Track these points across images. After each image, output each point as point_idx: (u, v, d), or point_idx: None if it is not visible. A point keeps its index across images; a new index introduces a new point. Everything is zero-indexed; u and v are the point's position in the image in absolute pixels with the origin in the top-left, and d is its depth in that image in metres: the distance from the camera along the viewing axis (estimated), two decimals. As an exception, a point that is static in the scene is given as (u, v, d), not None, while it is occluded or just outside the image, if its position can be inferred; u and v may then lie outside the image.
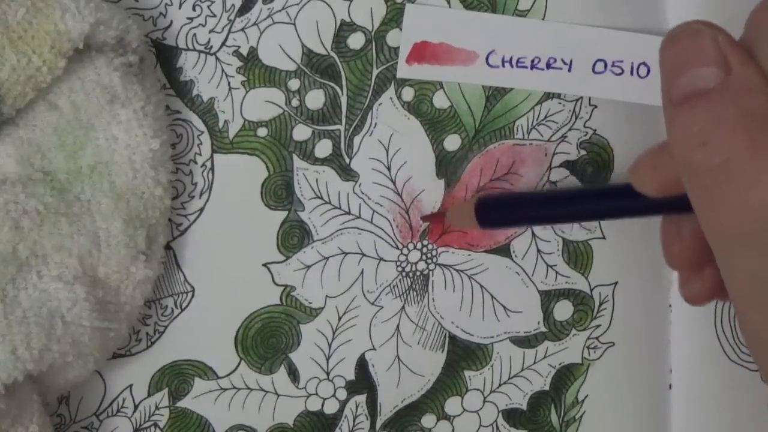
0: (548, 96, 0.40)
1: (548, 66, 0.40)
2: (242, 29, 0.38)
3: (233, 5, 0.38)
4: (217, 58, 0.38)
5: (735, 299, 0.28)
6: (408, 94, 0.40)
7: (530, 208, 0.39)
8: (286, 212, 0.40)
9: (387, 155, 0.40)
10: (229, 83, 0.39)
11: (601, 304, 0.42)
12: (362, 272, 0.40)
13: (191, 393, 0.40)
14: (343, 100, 0.39)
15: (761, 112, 0.26)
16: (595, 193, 0.38)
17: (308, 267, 0.40)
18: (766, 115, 0.26)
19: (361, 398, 0.41)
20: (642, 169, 0.32)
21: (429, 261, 0.41)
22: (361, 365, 0.41)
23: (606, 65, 0.40)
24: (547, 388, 0.42)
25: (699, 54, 0.28)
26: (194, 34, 0.38)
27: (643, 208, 0.35)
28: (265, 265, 0.40)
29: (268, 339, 0.40)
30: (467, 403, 0.42)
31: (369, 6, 0.39)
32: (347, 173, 0.40)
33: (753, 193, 0.26)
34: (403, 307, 0.41)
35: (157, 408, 0.40)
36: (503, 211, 0.39)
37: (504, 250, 0.41)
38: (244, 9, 0.38)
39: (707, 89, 0.27)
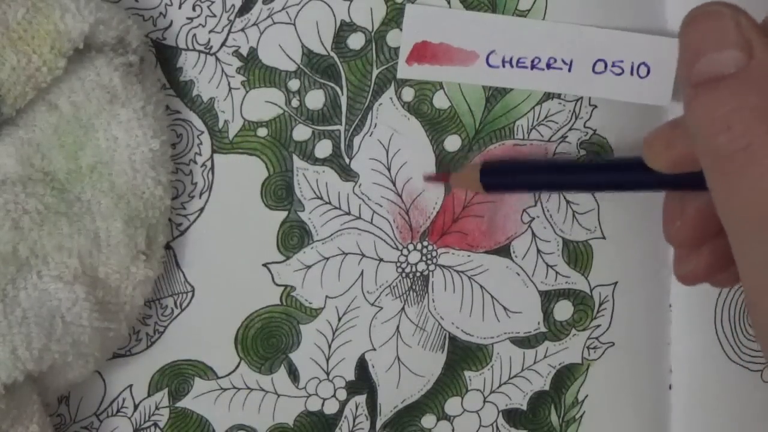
0: (548, 96, 0.40)
1: (548, 66, 0.40)
2: (242, 29, 0.38)
3: (233, 5, 0.38)
4: (217, 58, 0.38)
5: (747, 287, 0.28)
6: (408, 94, 0.40)
7: (536, 174, 0.38)
8: (286, 212, 0.40)
9: (387, 155, 0.40)
10: (229, 83, 0.39)
11: (601, 304, 0.42)
12: (362, 273, 0.40)
13: (191, 393, 0.40)
14: (343, 100, 0.39)
15: None
16: (603, 164, 0.38)
17: (308, 267, 0.40)
18: None
19: (361, 398, 0.41)
20: (655, 145, 0.32)
21: (429, 262, 0.41)
22: (361, 365, 0.41)
23: (606, 65, 0.40)
24: (547, 388, 0.42)
25: (721, 36, 0.27)
26: (194, 34, 0.38)
27: (650, 183, 0.34)
28: (265, 265, 0.40)
29: (268, 339, 0.40)
30: (467, 404, 0.42)
31: (369, 6, 0.39)
32: (347, 173, 0.40)
33: None
34: (403, 308, 0.41)
35: (157, 408, 0.40)
36: (509, 175, 0.39)
37: (504, 251, 0.41)
38: (244, 9, 0.38)
39: (729, 73, 0.27)
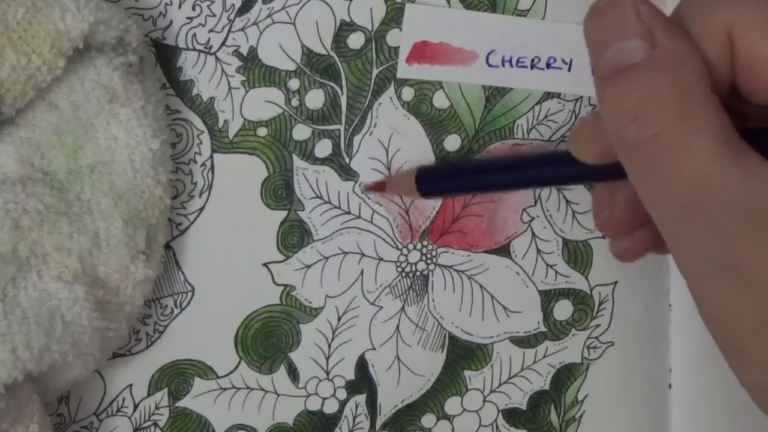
0: (548, 96, 0.40)
1: (548, 66, 0.40)
2: (242, 29, 0.38)
3: (233, 5, 0.38)
4: (217, 58, 0.38)
5: (684, 271, 0.28)
6: (408, 94, 0.40)
7: (470, 176, 0.38)
8: (286, 212, 0.40)
9: (387, 155, 0.40)
10: (229, 83, 0.39)
11: (601, 303, 0.42)
12: (362, 272, 0.40)
13: (191, 393, 0.40)
14: (343, 100, 0.39)
15: (688, 84, 0.26)
16: (534, 160, 0.38)
17: (308, 267, 0.40)
18: (693, 87, 0.26)
19: (361, 398, 0.41)
20: (580, 137, 0.32)
21: (429, 261, 0.41)
22: (361, 365, 0.41)
23: (606, 65, 0.40)
24: (546, 387, 0.42)
25: (622, 27, 0.27)
26: (194, 34, 0.38)
27: (581, 175, 0.35)
28: (265, 264, 0.40)
29: (268, 339, 0.40)
30: (467, 403, 0.42)
31: (369, 6, 0.39)
32: (347, 173, 0.40)
33: (686, 165, 0.26)
34: (402, 308, 0.41)
35: (157, 408, 0.40)
36: (443, 180, 0.39)
37: (504, 250, 0.41)
38: (244, 9, 0.38)
39: (634, 63, 0.27)
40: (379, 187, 0.40)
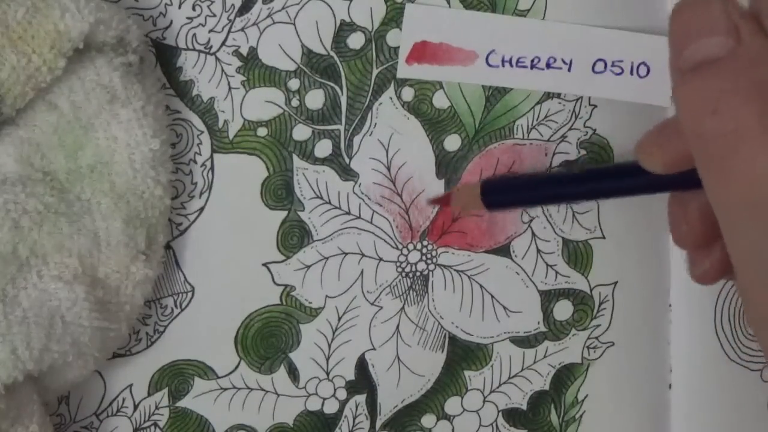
0: (548, 96, 0.40)
1: (548, 66, 0.40)
2: (242, 29, 0.38)
3: (233, 5, 0.38)
4: (217, 58, 0.38)
5: (739, 275, 0.27)
6: (408, 94, 0.40)
7: (536, 189, 0.38)
8: (286, 212, 0.40)
9: (387, 155, 0.40)
10: (229, 83, 0.39)
11: (601, 303, 0.42)
12: (362, 272, 0.40)
13: (191, 393, 0.40)
14: (343, 100, 0.39)
15: None
16: (600, 172, 0.38)
17: (308, 267, 0.40)
18: None
19: (361, 398, 0.41)
20: (648, 146, 0.32)
21: (429, 261, 0.41)
22: (361, 365, 0.41)
23: (606, 65, 0.40)
24: (547, 387, 0.42)
25: (709, 22, 0.28)
26: (194, 34, 0.38)
27: (648, 186, 0.34)
28: (265, 265, 0.40)
29: (268, 339, 0.40)
30: (467, 403, 0.42)
31: (369, 6, 0.39)
32: (347, 173, 0.40)
33: (760, 163, 0.26)
34: (402, 308, 0.41)
35: (157, 408, 0.40)
36: (509, 192, 0.39)
37: (504, 250, 0.41)
38: (244, 9, 0.38)
39: (717, 58, 0.27)
40: (443, 200, 0.40)
